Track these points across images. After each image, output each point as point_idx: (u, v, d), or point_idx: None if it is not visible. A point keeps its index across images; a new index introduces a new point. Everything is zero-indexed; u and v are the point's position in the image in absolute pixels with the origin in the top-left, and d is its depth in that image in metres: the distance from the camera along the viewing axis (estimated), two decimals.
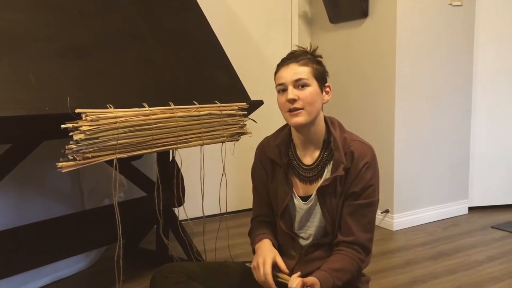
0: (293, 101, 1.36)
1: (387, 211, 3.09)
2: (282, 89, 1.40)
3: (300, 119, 1.37)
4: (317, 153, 1.45)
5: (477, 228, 3.06)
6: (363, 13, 3.13)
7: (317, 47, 1.45)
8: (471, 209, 3.42)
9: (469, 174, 3.38)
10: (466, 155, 3.34)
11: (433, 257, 2.58)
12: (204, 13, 2.38)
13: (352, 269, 1.38)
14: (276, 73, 1.42)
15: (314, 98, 1.37)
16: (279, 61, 1.45)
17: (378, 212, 3.09)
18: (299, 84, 1.37)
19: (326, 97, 1.43)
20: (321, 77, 1.41)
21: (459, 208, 3.35)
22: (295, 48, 1.50)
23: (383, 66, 3.06)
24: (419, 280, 2.27)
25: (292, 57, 1.40)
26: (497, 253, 2.61)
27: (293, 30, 3.61)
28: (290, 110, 1.37)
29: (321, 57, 1.45)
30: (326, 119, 1.46)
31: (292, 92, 1.36)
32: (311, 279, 1.30)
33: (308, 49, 1.44)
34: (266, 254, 1.37)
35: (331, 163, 1.42)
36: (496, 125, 3.37)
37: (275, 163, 1.50)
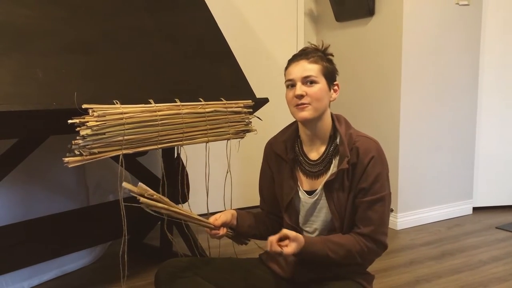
0: (300, 96, 1.38)
1: (391, 210, 3.08)
2: (291, 84, 1.42)
3: (306, 113, 1.39)
4: (323, 148, 1.46)
5: (482, 228, 3.06)
6: (369, 12, 3.12)
7: (329, 45, 1.46)
8: (475, 209, 3.41)
9: (474, 174, 3.37)
10: (471, 155, 3.33)
11: (437, 256, 2.58)
12: (211, 10, 2.39)
13: (352, 249, 1.37)
14: (286, 68, 1.44)
15: (321, 95, 1.39)
16: (286, 58, 1.47)
17: None
18: (308, 80, 1.39)
19: (334, 95, 1.45)
20: (330, 75, 1.43)
21: (464, 208, 3.35)
22: (301, 46, 1.51)
23: (389, 65, 3.06)
24: (423, 280, 2.27)
25: (303, 54, 1.42)
26: (501, 253, 2.61)
27: (298, 28, 3.61)
28: (297, 105, 1.39)
29: (332, 55, 1.47)
30: (332, 116, 1.48)
31: (300, 88, 1.38)
32: (290, 233, 1.32)
33: (320, 46, 1.46)
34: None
35: (337, 158, 1.43)
36: (501, 125, 3.36)
37: (281, 158, 1.52)
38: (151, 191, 1.30)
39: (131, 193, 1.28)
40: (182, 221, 1.47)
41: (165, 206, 1.33)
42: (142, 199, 1.27)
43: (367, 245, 1.38)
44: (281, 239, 1.33)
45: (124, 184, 1.27)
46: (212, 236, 1.45)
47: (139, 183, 1.30)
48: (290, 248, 1.31)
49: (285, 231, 1.33)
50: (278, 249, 1.30)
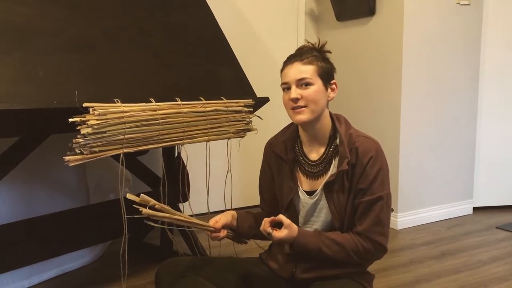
0: (296, 100, 1.37)
1: (391, 210, 3.09)
2: (286, 87, 1.41)
3: (303, 116, 1.38)
4: (323, 149, 1.46)
5: (482, 228, 3.06)
6: (370, 11, 3.12)
7: (326, 42, 1.45)
8: (475, 209, 3.41)
9: (474, 174, 3.37)
10: (471, 155, 3.33)
11: (437, 256, 2.58)
12: (211, 10, 2.39)
13: (347, 247, 1.37)
14: (281, 70, 1.43)
15: (317, 96, 1.38)
16: (286, 58, 1.45)
17: None
18: (303, 83, 1.37)
19: (332, 94, 1.44)
20: (326, 75, 1.41)
21: (464, 208, 3.35)
22: (302, 44, 1.49)
23: (389, 65, 3.06)
24: (423, 280, 2.27)
25: (298, 55, 1.40)
26: (501, 253, 2.61)
27: (299, 28, 3.61)
28: (293, 108, 1.39)
29: (330, 52, 1.45)
30: (332, 116, 1.47)
31: (295, 91, 1.37)
32: (286, 220, 1.35)
33: (317, 44, 1.44)
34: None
35: (337, 158, 1.42)
36: (502, 125, 3.36)
37: (280, 159, 1.51)
38: (153, 201, 1.31)
39: (133, 205, 1.29)
40: (185, 227, 1.48)
41: (167, 215, 1.34)
42: (144, 210, 1.29)
43: (362, 244, 1.38)
44: (276, 225, 1.35)
45: (128, 196, 1.29)
46: (213, 238, 1.46)
47: (141, 194, 1.31)
48: (280, 233, 1.34)
49: (280, 217, 1.35)
50: (269, 230, 1.34)
